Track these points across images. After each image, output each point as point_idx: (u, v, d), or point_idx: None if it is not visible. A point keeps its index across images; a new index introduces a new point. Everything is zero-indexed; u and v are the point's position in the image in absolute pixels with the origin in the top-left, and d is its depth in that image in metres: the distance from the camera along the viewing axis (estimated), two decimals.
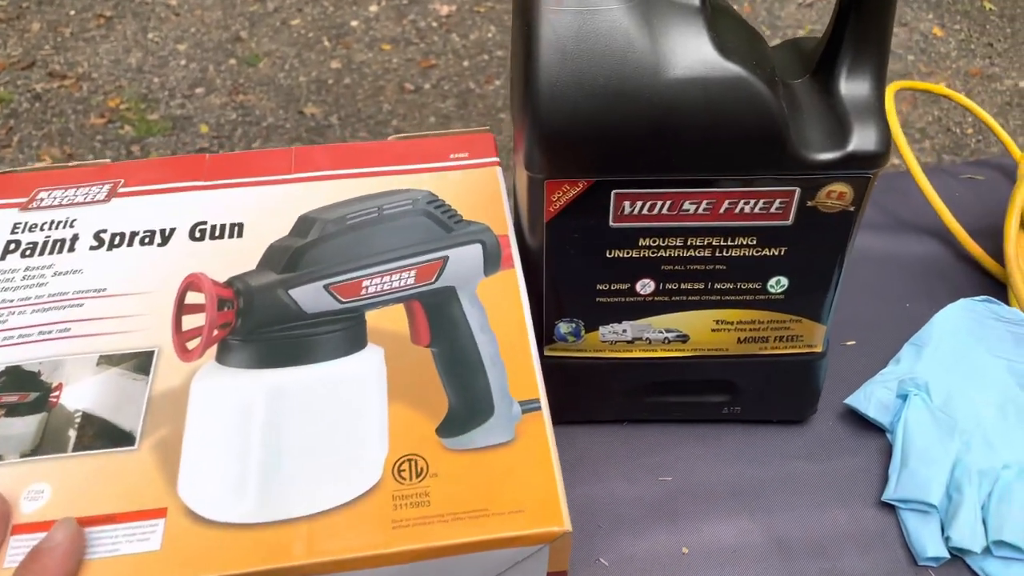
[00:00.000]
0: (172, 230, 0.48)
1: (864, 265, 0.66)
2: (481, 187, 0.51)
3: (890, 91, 0.71)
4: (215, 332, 0.43)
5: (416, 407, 0.41)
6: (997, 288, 0.64)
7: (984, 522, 0.49)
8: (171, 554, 0.36)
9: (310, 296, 0.44)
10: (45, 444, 0.40)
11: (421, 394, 0.42)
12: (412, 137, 0.54)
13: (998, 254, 0.64)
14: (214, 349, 0.43)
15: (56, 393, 0.42)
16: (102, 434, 0.40)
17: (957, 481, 0.50)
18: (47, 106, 2.40)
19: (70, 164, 0.53)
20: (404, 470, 0.39)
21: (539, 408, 0.42)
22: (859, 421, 0.56)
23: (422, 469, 0.39)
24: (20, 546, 0.36)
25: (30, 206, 0.50)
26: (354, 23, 2.82)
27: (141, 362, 0.42)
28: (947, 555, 0.49)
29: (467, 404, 0.42)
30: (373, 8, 2.89)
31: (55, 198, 0.51)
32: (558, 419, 0.55)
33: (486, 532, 0.37)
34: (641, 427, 0.55)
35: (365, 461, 0.39)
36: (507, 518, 0.38)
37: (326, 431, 0.40)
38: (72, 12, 2.79)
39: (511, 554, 0.38)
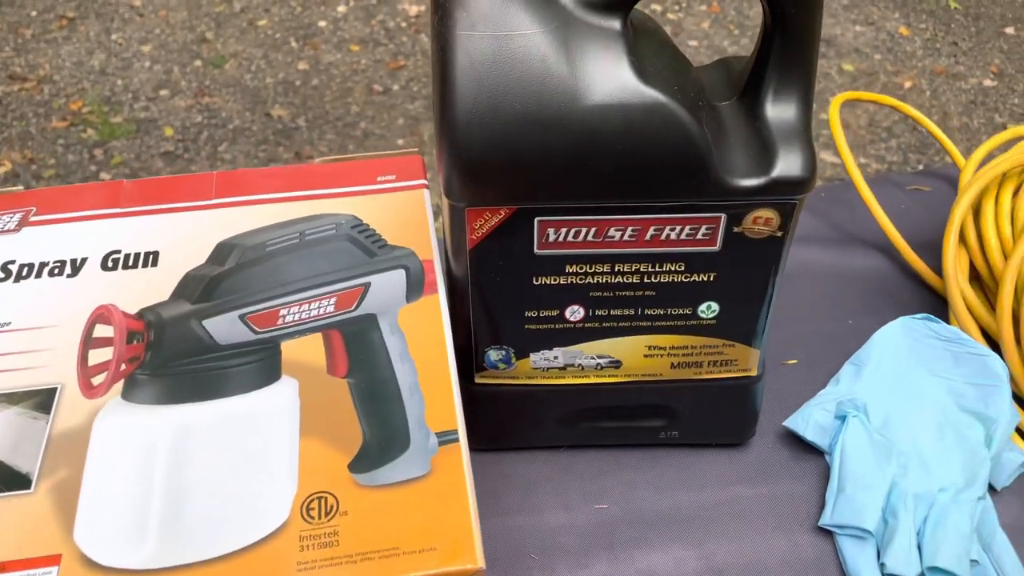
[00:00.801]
0: (84, 260, 0.47)
1: (808, 280, 0.66)
2: (407, 211, 0.50)
3: (836, 103, 0.70)
4: (123, 367, 0.42)
5: (329, 442, 0.40)
6: (941, 304, 0.64)
7: (920, 547, 0.48)
8: None
9: (224, 327, 0.43)
10: None
11: (335, 428, 0.41)
12: (339, 160, 0.53)
13: (941, 269, 0.63)
14: (120, 385, 0.41)
15: None
16: None
17: (893, 506, 0.49)
18: (7, 109, 2.36)
19: None
20: (313, 509, 0.38)
21: (456, 440, 0.41)
22: (799, 443, 0.55)
23: (332, 507, 0.38)
24: None
25: None
26: (322, 23, 2.79)
27: (42, 400, 0.41)
28: None
29: (382, 437, 0.41)
30: (341, 8, 2.87)
31: None
32: (491, 446, 0.54)
33: (396, 572, 0.36)
34: (577, 453, 0.54)
35: (272, 500, 0.38)
36: (418, 557, 0.37)
37: (233, 470, 0.39)
38: (33, 13, 2.74)
39: None
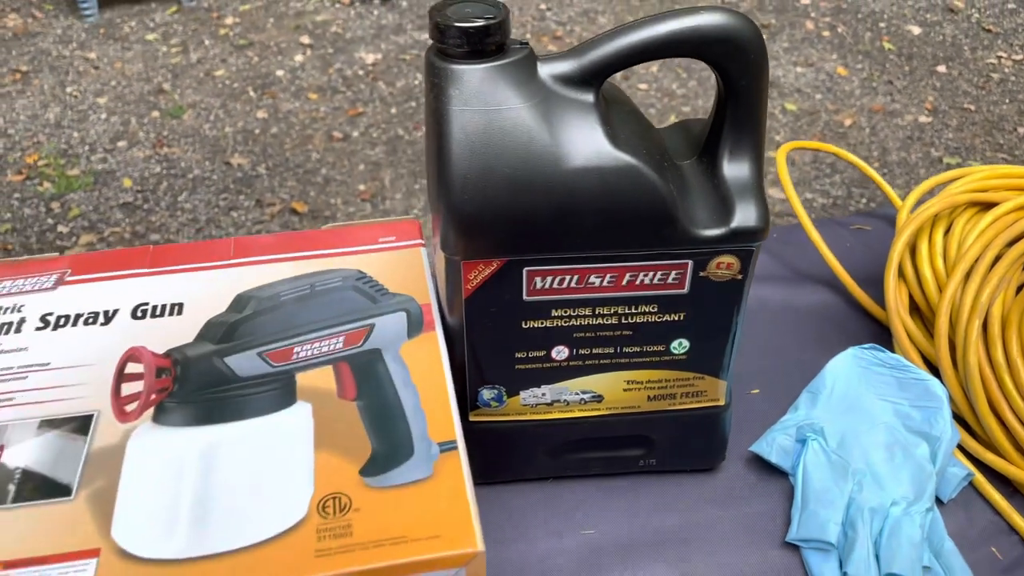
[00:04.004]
0: (115, 311, 0.52)
1: (766, 317, 0.71)
2: (407, 265, 0.55)
3: (782, 152, 0.77)
4: (152, 396, 0.46)
5: (341, 453, 0.44)
6: (886, 333, 0.70)
7: (877, 556, 0.53)
8: None
9: (244, 363, 0.48)
10: None
11: (346, 442, 0.45)
12: (344, 225, 0.58)
13: (884, 301, 0.69)
14: (151, 412, 0.46)
15: None
16: (41, 487, 0.42)
17: (852, 519, 0.54)
18: None
19: (21, 258, 0.56)
20: (328, 507, 0.42)
21: (456, 448, 0.45)
22: (765, 466, 0.60)
23: (345, 505, 0.42)
24: None
25: None
26: (279, 73, 2.83)
27: (80, 424, 0.45)
28: None
29: (389, 448, 0.45)
30: (298, 58, 2.91)
31: (4, 287, 0.54)
32: (485, 480, 0.58)
33: (405, 556, 0.40)
34: (564, 483, 0.58)
35: (291, 501, 0.42)
36: (424, 543, 0.41)
37: (254, 477, 0.43)
38: None
39: None
